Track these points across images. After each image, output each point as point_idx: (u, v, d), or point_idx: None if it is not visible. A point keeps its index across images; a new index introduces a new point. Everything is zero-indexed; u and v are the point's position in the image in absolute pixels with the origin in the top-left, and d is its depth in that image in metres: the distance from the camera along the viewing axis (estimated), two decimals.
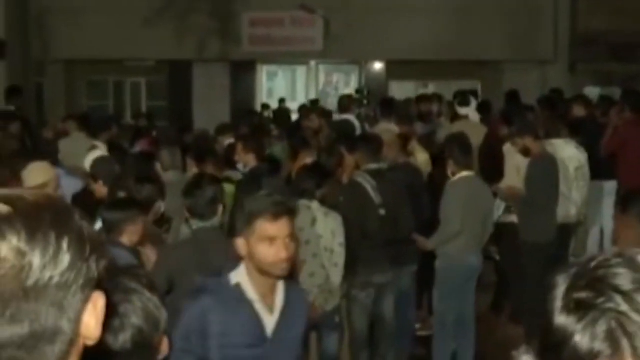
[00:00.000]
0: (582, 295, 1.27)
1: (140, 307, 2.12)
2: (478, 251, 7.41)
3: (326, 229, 6.33)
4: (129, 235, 5.08)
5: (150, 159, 7.87)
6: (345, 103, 11.97)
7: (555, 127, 9.42)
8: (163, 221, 5.65)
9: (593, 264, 1.30)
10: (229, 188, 7.61)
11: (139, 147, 10.13)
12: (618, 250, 1.32)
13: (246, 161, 7.93)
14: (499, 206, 8.90)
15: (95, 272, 1.39)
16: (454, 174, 7.27)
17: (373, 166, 7.22)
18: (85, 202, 6.65)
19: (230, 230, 6.71)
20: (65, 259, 1.33)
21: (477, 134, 10.03)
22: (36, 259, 1.29)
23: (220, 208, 5.02)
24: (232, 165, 8.21)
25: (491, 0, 18.19)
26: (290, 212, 3.48)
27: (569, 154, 8.97)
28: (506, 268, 8.95)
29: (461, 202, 7.08)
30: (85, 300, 1.37)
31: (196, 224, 4.99)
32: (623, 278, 1.25)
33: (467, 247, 7.15)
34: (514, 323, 8.47)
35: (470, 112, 11.39)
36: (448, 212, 7.18)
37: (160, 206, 5.69)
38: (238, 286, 3.47)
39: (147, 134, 11.38)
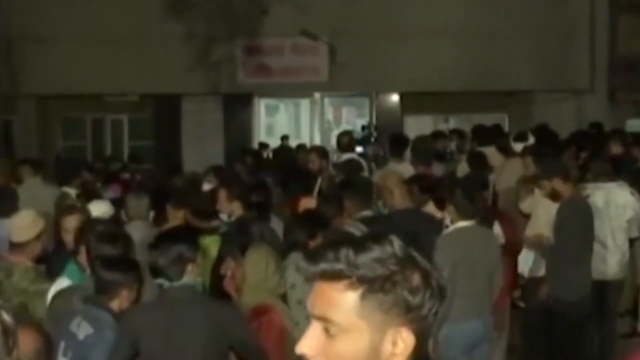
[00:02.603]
0: None
1: None
2: (483, 315, 6.97)
3: None
4: (121, 301, 5.06)
5: (118, 207, 7.79)
6: (345, 141, 11.79)
7: (602, 167, 8.97)
8: None
9: None
10: (213, 240, 7.49)
11: (111, 192, 10.07)
12: None
13: (230, 210, 7.81)
14: (528, 257, 8.71)
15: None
16: (452, 223, 6.97)
17: (366, 213, 7.18)
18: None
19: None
20: None
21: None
22: None
23: (190, 267, 4.88)
24: (213, 214, 8.07)
25: (519, 23, 18.20)
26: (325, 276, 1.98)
27: (624, 200, 8.69)
28: (534, 328, 8.70)
29: (452, 260, 6.45)
30: None
31: (164, 282, 4.90)
32: None
33: (466, 311, 6.53)
34: None
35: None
36: None
37: None
38: None
39: (121, 177, 11.36)
